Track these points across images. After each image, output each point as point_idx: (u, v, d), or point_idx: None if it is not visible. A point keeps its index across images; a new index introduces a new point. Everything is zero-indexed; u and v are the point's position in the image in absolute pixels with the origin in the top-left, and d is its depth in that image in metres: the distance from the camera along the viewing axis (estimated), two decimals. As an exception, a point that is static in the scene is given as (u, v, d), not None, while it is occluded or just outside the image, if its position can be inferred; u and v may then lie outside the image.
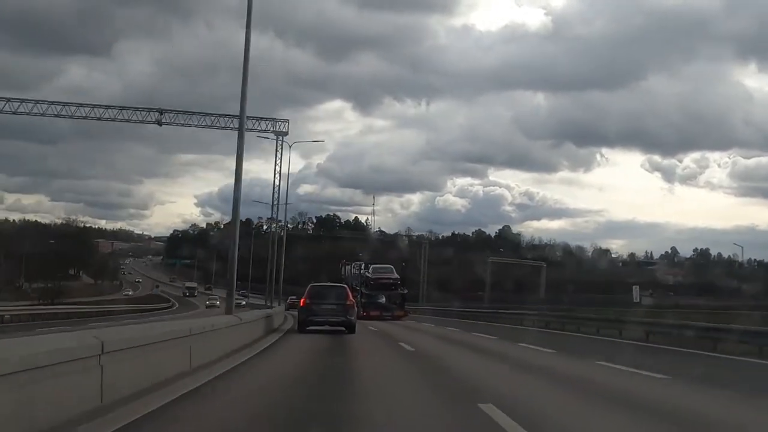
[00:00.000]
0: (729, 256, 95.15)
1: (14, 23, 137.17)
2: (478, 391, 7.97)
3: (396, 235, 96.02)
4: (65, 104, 44.13)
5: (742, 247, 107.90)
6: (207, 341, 9.80)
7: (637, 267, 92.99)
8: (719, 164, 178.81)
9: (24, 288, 72.36)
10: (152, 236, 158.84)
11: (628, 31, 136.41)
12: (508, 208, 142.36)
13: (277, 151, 45.33)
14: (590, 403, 7.50)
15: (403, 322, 33.86)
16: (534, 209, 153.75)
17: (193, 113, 44.10)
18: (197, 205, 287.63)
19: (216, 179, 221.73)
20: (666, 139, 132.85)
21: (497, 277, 69.91)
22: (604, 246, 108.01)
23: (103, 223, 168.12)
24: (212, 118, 42.29)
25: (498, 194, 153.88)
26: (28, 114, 42.41)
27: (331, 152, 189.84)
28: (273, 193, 49.03)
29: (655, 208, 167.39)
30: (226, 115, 42.74)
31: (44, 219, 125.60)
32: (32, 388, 4.55)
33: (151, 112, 42.48)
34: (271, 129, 42.90)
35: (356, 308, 39.08)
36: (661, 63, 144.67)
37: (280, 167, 47.10)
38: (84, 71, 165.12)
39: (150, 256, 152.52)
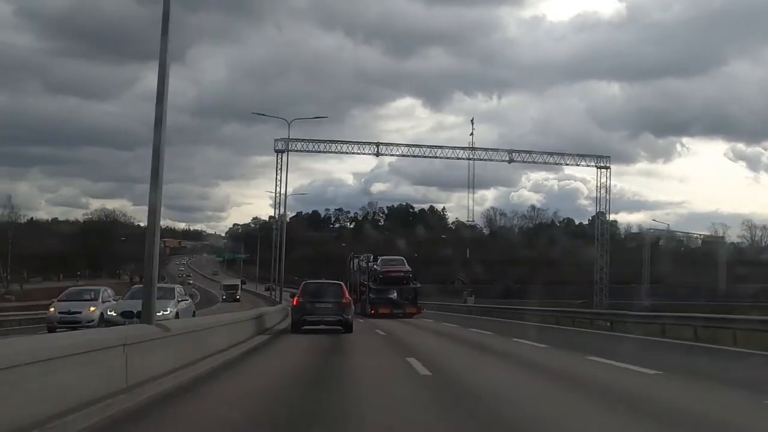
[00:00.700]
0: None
1: (93, 33, 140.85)
2: None
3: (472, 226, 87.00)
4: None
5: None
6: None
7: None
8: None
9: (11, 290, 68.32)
10: (222, 234, 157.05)
11: (708, 15, 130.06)
12: (585, 201, 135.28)
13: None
14: None
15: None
16: (611, 202, 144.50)
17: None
18: (272, 206, 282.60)
19: (290, 179, 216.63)
20: (750, 126, 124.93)
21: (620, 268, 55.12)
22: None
23: (182, 226, 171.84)
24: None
25: (573, 188, 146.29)
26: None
27: (403, 151, 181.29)
28: (276, 183, 44.36)
29: (739, 198, 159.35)
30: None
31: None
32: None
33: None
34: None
35: (364, 305, 36.40)
36: (742, 47, 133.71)
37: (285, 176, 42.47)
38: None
39: (205, 254, 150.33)
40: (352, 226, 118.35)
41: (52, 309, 20.94)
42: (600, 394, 8.03)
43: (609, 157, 50.45)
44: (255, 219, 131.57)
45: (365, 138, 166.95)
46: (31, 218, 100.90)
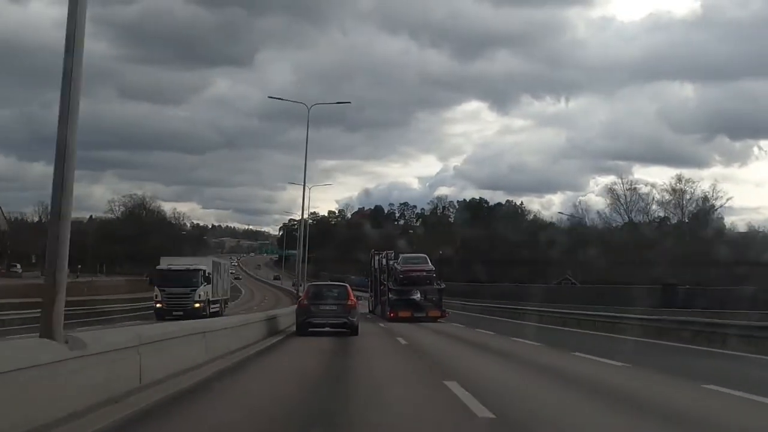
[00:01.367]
0: None
1: (164, 40, 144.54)
2: None
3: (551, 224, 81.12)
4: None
5: None
6: None
7: None
8: None
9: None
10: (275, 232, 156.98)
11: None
12: (656, 207, 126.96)
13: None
14: None
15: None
16: (682, 207, 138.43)
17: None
18: (338, 209, 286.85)
19: (355, 183, 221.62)
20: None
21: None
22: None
23: (244, 227, 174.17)
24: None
25: (644, 192, 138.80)
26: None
27: (468, 154, 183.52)
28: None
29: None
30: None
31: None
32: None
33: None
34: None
35: (383, 307, 33.47)
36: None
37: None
38: (229, 82, 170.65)
39: (252, 253, 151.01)
40: (418, 223, 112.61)
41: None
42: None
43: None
44: (312, 214, 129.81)
45: (430, 142, 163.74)
46: (91, 216, 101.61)
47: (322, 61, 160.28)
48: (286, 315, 22.43)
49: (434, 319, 31.59)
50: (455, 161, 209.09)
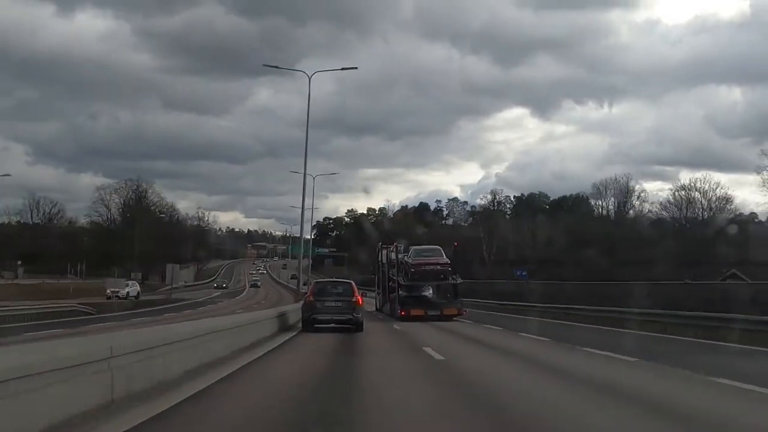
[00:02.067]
0: None
1: (206, 50, 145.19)
2: None
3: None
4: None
5: None
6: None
7: None
8: None
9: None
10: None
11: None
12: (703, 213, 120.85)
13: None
14: None
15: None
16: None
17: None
18: (378, 207, 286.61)
19: (397, 192, 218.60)
20: None
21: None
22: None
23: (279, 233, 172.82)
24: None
25: (689, 197, 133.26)
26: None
27: (510, 161, 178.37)
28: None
29: None
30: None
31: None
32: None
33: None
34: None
35: (393, 305, 30.10)
36: None
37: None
38: (271, 92, 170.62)
39: (275, 258, 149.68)
40: (468, 222, 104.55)
41: None
42: None
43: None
44: (350, 211, 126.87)
45: (472, 150, 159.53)
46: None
47: (364, 70, 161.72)
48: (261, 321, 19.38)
49: (449, 318, 28.26)
50: (497, 168, 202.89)
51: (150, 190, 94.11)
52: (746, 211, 73.58)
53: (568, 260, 50.07)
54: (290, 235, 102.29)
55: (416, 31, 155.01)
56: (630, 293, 22.12)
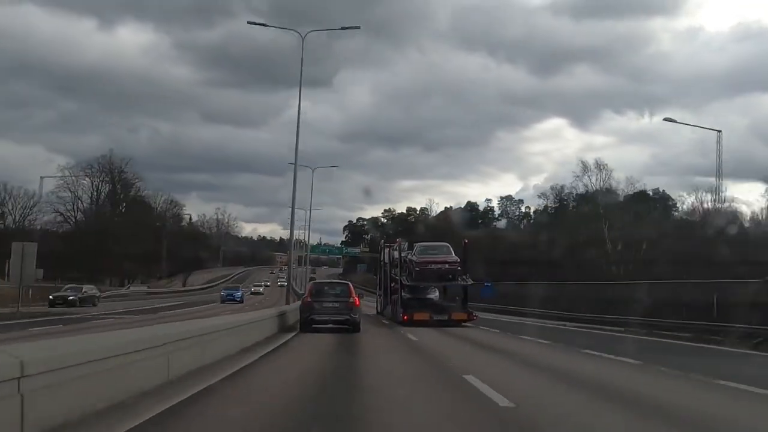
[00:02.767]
0: None
1: (245, 63, 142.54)
2: None
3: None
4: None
5: None
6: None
7: None
8: None
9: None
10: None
11: None
12: (748, 225, 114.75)
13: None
14: None
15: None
16: None
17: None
18: (420, 207, 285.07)
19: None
20: None
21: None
22: None
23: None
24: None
25: (734, 210, 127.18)
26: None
27: (549, 172, 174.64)
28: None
29: None
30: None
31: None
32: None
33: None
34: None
35: (395, 308, 26.98)
36: None
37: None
38: (308, 104, 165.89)
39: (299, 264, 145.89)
40: (522, 223, 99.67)
41: None
42: None
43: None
44: (387, 211, 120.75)
45: (510, 161, 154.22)
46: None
47: (400, 81, 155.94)
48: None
49: (458, 323, 25.14)
50: (535, 180, 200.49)
51: (132, 177, 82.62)
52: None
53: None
54: (321, 243, 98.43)
55: (452, 41, 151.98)
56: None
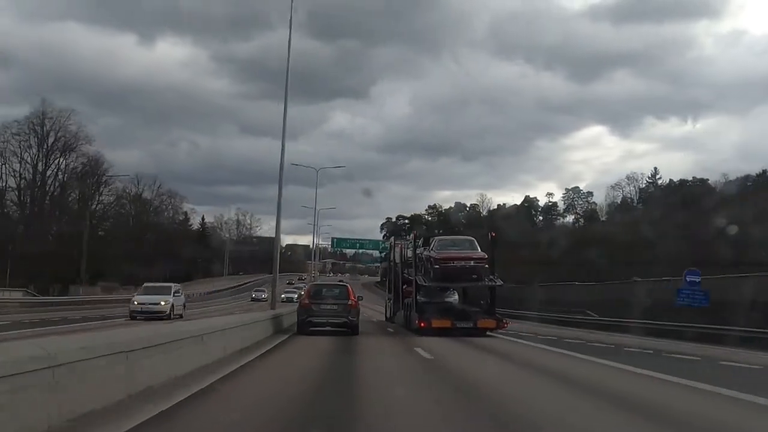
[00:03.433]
0: None
1: (282, 75, 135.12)
2: None
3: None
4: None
5: None
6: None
7: None
8: None
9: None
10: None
11: None
12: None
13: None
14: None
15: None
16: None
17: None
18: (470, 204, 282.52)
19: None
20: None
21: None
22: None
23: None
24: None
25: None
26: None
27: (589, 180, 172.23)
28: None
29: None
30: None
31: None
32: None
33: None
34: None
35: (409, 314, 22.85)
36: None
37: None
38: (347, 115, 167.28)
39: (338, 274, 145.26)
40: (604, 216, 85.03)
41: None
42: None
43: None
44: (431, 207, 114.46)
45: (549, 170, 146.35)
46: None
47: (437, 90, 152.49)
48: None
49: (482, 332, 20.80)
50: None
51: (74, 139, 59.55)
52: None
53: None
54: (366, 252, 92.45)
55: (489, 49, 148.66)
56: None
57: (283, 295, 61.16)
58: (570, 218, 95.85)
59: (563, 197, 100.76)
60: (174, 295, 28.49)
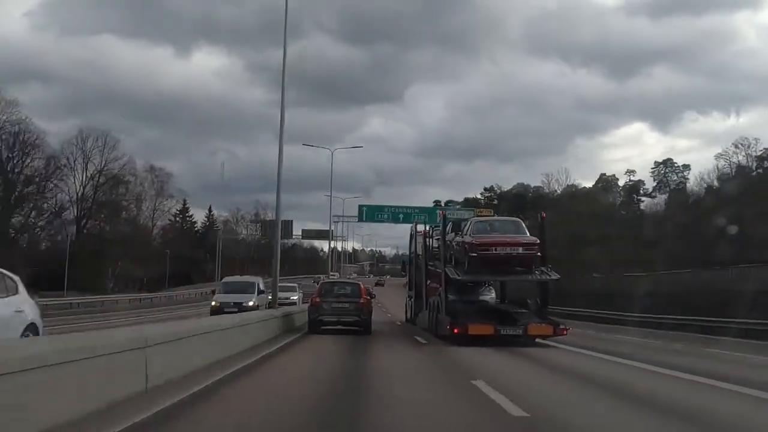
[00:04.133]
0: None
1: (316, 81, 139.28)
2: None
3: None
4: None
5: None
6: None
7: None
8: None
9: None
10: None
11: None
12: None
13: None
14: None
15: None
16: None
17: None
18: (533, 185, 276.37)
19: None
20: None
21: None
22: None
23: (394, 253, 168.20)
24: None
25: None
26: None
27: (629, 179, 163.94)
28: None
29: None
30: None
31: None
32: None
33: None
34: None
35: (434, 315, 18.25)
36: None
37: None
38: (381, 120, 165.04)
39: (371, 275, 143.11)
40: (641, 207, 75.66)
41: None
42: None
43: None
44: (487, 189, 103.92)
45: (589, 169, 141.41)
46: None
47: (473, 92, 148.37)
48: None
49: (533, 337, 16.17)
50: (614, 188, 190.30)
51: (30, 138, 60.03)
52: None
53: None
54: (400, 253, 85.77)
55: (524, 49, 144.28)
56: None
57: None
58: (660, 197, 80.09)
59: (651, 173, 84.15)
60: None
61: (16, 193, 60.86)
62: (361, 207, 38.85)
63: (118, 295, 52.11)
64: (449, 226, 19.62)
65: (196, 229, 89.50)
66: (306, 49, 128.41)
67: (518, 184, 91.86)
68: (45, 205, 63.95)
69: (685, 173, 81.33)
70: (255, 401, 6.91)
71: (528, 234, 17.51)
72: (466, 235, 17.70)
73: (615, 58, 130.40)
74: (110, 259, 63.32)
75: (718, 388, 8.53)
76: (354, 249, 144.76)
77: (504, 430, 5.67)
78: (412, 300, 24.92)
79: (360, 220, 39.64)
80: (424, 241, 22.56)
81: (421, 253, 22.87)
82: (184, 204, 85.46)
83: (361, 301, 18.79)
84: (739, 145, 67.63)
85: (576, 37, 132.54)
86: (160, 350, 7.08)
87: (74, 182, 68.48)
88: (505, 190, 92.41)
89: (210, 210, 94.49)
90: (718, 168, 67.54)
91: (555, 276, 17.07)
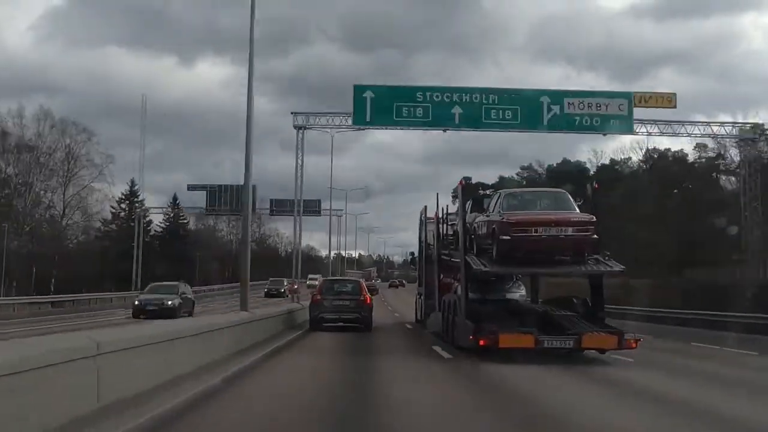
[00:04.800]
0: None
1: (321, 89, 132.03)
2: None
3: None
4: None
5: None
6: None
7: None
8: None
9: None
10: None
11: None
12: None
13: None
14: None
15: None
16: None
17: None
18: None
19: None
20: None
21: None
22: None
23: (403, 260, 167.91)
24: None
25: None
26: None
27: None
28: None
29: None
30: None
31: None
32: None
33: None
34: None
35: (450, 318, 13.64)
36: None
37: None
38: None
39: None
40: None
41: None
42: None
43: None
44: (525, 168, 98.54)
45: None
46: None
47: None
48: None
49: (603, 350, 12.29)
50: None
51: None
52: None
53: None
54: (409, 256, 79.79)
55: (529, 53, 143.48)
56: None
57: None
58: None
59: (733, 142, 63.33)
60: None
61: None
62: (359, 91, 26.46)
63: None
64: (469, 204, 15.16)
65: (147, 220, 61.52)
66: (312, 56, 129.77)
67: (564, 159, 72.28)
68: None
69: None
70: None
71: (576, 209, 12.98)
72: (493, 213, 13.21)
73: (621, 61, 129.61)
74: None
75: None
76: (361, 254, 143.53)
77: None
78: (422, 297, 20.66)
79: (358, 123, 27.18)
80: (437, 228, 18.08)
81: (432, 243, 18.48)
82: (132, 186, 61.97)
83: (362, 298, 18.94)
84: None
85: (582, 41, 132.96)
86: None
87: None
88: (553, 166, 72.40)
89: (175, 199, 68.06)
90: None
91: (618, 267, 12.55)
